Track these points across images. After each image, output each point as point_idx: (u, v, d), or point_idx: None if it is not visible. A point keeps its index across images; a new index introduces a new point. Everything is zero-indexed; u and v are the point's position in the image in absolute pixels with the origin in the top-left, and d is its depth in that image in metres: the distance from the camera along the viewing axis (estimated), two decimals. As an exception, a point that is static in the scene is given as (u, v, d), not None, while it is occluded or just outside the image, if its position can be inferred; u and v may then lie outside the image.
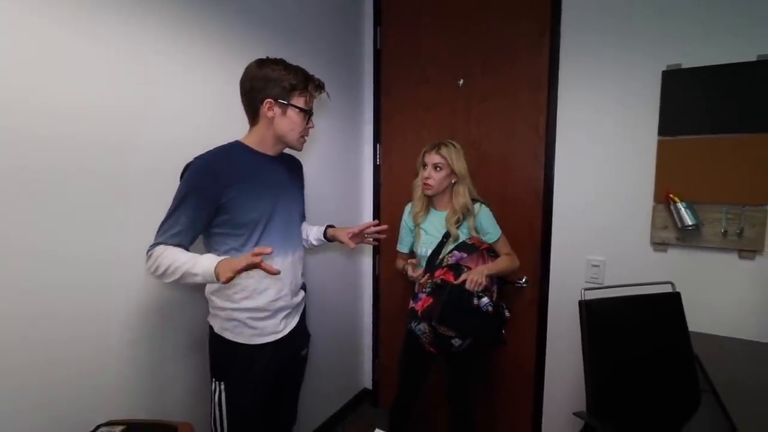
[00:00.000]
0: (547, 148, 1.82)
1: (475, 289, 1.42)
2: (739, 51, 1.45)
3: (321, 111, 1.91)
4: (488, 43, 1.92)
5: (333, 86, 1.89)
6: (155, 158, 1.24)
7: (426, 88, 2.09)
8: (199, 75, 1.37)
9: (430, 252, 1.59)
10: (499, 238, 1.62)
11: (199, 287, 1.28)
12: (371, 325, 2.41)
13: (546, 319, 1.89)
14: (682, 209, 1.51)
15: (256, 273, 1.16)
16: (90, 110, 1.08)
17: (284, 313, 1.27)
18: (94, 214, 1.11)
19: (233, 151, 1.18)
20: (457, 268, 1.49)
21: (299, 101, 1.18)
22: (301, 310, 1.37)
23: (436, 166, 1.57)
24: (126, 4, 1.15)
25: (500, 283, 1.60)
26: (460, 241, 1.56)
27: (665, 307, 1.37)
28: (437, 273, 1.50)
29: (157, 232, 1.07)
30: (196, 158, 1.13)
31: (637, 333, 1.33)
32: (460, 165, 1.57)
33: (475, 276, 1.43)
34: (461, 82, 1.99)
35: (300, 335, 1.36)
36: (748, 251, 1.48)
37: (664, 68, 1.56)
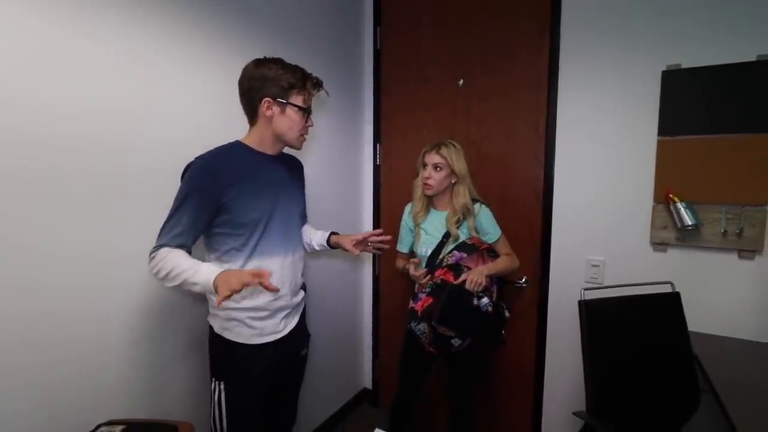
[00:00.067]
0: (547, 148, 1.82)
1: (475, 289, 1.42)
2: (739, 51, 1.45)
3: (321, 111, 1.91)
4: (488, 43, 1.92)
5: (333, 86, 1.89)
6: (155, 158, 1.24)
7: (426, 88, 2.09)
8: (199, 75, 1.37)
9: (430, 252, 1.59)
10: (499, 239, 1.62)
11: (199, 287, 1.28)
12: (371, 325, 2.41)
13: (546, 319, 1.89)
14: (682, 209, 1.51)
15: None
16: (90, 110, 1.08)
17: (284, 313, 1.27)
18: (94, 214, 1.11)
19: (233, 151, 1.18)
20: (457, 268, 1.49)
21: (297, 99, 1.18)
22: (301, 309, 1.37)
23: (436, 166, 1.57)
24: (126, 4, 1.15)
25: (500, 283, 1.60)
26: (460, 241, 1.56)
27: (665, 307, 1.37)
28: (437, 273, 1.51)
29: (160, 233, 1.07)
30: (196, 158, 1.13)
31: (637, 333, 1.33)
32: (460, 165, 1.57)
33: (475, 276, 1.43)
34: (461, 82, 1.99)
35: (300, 335, 1.37)
36: (748, 251, 1.48)
37: (664, 68, 1.56)
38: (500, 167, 1.93)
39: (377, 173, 2.29)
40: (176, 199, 1.08)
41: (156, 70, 1.24)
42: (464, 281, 1.43)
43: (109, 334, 1.16)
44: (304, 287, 1.39)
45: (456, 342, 1.48)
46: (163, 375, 1.32)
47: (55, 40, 1.01)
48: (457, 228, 1.57)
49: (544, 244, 1.86)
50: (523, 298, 1.93)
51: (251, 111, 1.20)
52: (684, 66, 1.54)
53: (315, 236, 1.46)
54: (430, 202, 1.67)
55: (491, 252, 1.59)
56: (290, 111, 1.18)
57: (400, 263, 1.74)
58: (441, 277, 1.49)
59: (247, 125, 1.24)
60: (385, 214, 2.29)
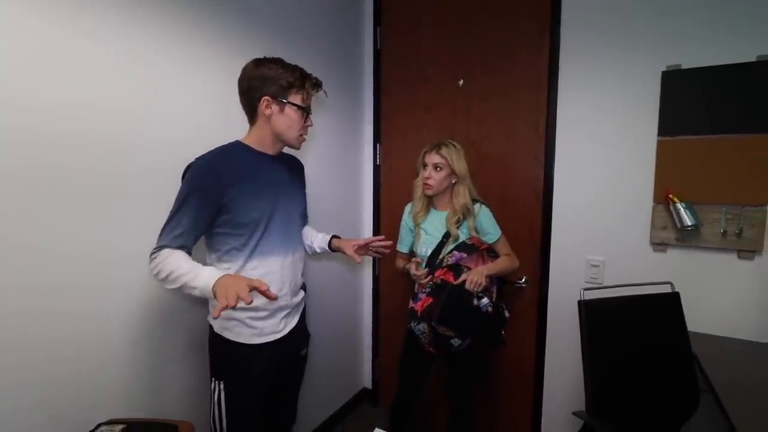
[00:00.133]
0: (547, 148, 1.82)
1: (475, 289, 1.42)
2: (739, 51, 1.45)
3: (321, 111, 1.91)
4: (488, 43, 1.92)
5: (333, 86, 1.90)
6: (155, 158, 1.24)
7: (426, 88, 2.09)
8: (199, 75, 1.37)
9: (430, 252, 1.59)
10: (499, 239, 1.62)
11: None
12: (371, 324, 2.41)
13: (545, 319, 1.89)
14: (682, 209, 1.51)
15: (256, 273, 1.17)
16: (90, 110, 1.08)
17: (284, 313, 1.27)
18: (94, 213, 1.11)
19: (234, 151, 1.18)
20: (456, 269, 1.49)
21: (296, 98, 1.18)
22: (301, 309, 1.37)
23: (436, 166, 1.57)
24: (126, 4, 1.15)
25: (500, 283, 1.60)
26: (460, 241, 1.56)
27: (664, 307, 1.37)
28: (437, 273, 1.51)
29: (160, 234, 1.07)
30: (197, 159, 1.13)
31: (637, 333, 1.33)
32: (460, 165, 1.57)
33: (475, 276, 1.43)
34: (461, 82, 1.99)
35: (300, 335, 1.37)
36: (747, 251, 1.48)
37: (664, 68, 1.56)
38: (500, 167, 1.93)
39: (377, 173, 2.29)
40: (177, 200, 1.08)
41: (156, 70, 1.24)
42: (464, 281, 1.43)
43: (109, 333, 1.17)
44: (304, 287, 1.39)
45: (456, 342, 1.48)
46: (163, 374, 1.32)
47: (55, 40, 1.01)
48: (457, 228, 1.57)
49: (544, 244, 1.86)
50: (522, 298, 1.93)
51: (251, 110, 1.20)
52: (684, 66, 1.54)
53: (316, 239, 1.47)
54: (430, 202, 1.67)
55: (491, 252, 1.59)
56: (289, 110, 1.18)
57: (400, 263, 1.74)
58: (441, 277, 1.49)
59: (247, 125, 1.24)
60: (385, 214, 2.29)
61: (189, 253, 1.07)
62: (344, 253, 1.43)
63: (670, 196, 1.55)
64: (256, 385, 1.23)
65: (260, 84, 1.15)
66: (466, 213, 1.58)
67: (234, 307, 0.89)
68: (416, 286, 1.62)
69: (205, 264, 1.06)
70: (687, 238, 1.56)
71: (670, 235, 1.59)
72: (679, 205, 1.52)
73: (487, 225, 1.60)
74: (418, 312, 1.51)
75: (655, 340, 1.34)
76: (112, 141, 1.13)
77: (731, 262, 1.52)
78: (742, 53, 1.45)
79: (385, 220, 2.28)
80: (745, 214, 1.47)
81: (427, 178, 1.58)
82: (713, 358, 1.33)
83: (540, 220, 1.86)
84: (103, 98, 1.11)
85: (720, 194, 1.50)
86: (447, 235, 1.58)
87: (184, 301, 1.37)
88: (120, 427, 1.04)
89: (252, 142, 1.21)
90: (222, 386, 1.20)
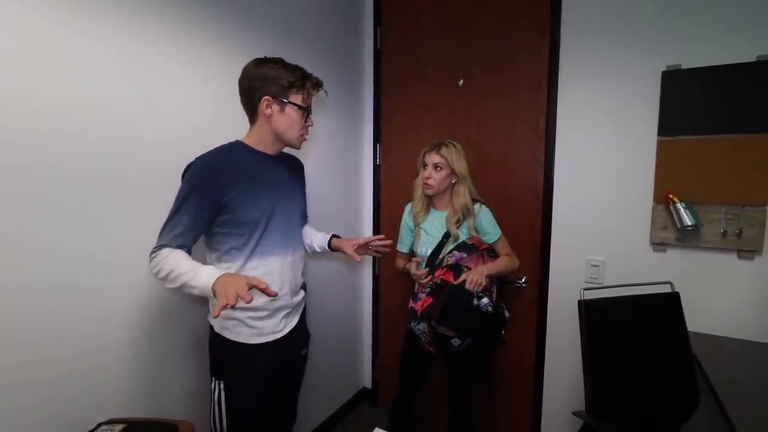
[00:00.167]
0: (547, 148, 1.82)
1: (475, 289, 1.42)
2: (739, 51, 1.45)
3: (321, 111, 1.91)
4: (488, 43, 1.92)
5: (333, 86, 1.90)
6: (155, 158, 1.24)
7: (426, 88, 2.09)
8: (199, 75, 1.37)
9: (430, 252, 1.59)
10: (499, 239, 1.62)
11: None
12: (371, 324, 2.41)
13: (545, 319, 1.89)
14: (682, 209, 1.51)
15: (256, 272, 1.17)
16: (90, 110, 1.08)
17: (284, 313, 1.27)
18: (94, 213, 1.11)
19: (234, 150, 1.19)
20: (456, 268, 1.49)
21: (297, 98, 1.19)
22: (301, 309, 1.37)
23: (436, 166, 1.57)
24: (126, 4, 1.15)
25: (500, 283, 1.60)
26: (460, 241, 1.56)
27: (664, 307, 1.37)
28: (437, 273, 1.51)
29: (160, 233, 1.07)
30: (197, 158, 1.13)
31: (637, 333, 1.33)
32: (460, 165, 1.57)
33: (475, 276, 1.43)
34: (461, 82, 1.99)
35: (300, 335, 1.37)
36: (747, 251, 1.48)
37: (664, 68, 1.56)
38: (500, 167, 1.93)
39: (377, 173, 2.30)
40: (177, 199, 1.08)
41: (156, 70, 1.24)
42: (464, 281, 1.43)
43: (109, 333, 1.17)
44: (304, 287, 1.39)
45: (456, 342, 1.48)
46: (163, 374, 1.33)
47: (55, 40, 1.01)
48: (457, 228, 1.57)
49: (544, 244, 1.86)
50: (522, 298, 1.93)
51: (251, 110, 1.20)
52: (684, 66, 1.54)
53: (316, 238, 1.47)
54: (430, 202, 1.67)
55: (491, 252, 1.59)
56: (289, 110, 1.18)
57: (400, 263, 1.74)
58: (441, 277, 1.49)
59: (248, 125, 1.24)
60: (385, 214, 2.29)
61: (189, 252, 1.07)
62: (344, 252, 1.44)
63: (670, 196, 1.55)
64: (256, 385, 1.23)
65: (261, 84, 1.15)
66: (466, 213, 1.58)
67: (234, 306, 0.89)
68: (416, 285, 1.62)
69: (205, 264, 1.06)
70: (687, 238, 1.56)
71: (670, 235, 1.59)
72: (679, 205, 1.52)
73: (487, 225, 1.60)
74: (418, 312, 1.51)
75: (655, 340, 1.34)
76: (112, 141, 1.14)
77: (731, 262, 1.52)
78: (742, 53, 1.45)
79: (385, 220, 2.28)
80: (745, 214, 1.47)
81: (427, 178, 1.58)
82: (713, 358, 1.33)
83: (540, 220, 1.86)
84: (103, 98, 1.11)
85: (720, 194, 1.50)
86: (447, 235, 1.58)
87: (184, 300, 1.37)
88: (120, 426, 1.04)
89: (252, 142, 1.21)
90: (222, 386, 1.20)
